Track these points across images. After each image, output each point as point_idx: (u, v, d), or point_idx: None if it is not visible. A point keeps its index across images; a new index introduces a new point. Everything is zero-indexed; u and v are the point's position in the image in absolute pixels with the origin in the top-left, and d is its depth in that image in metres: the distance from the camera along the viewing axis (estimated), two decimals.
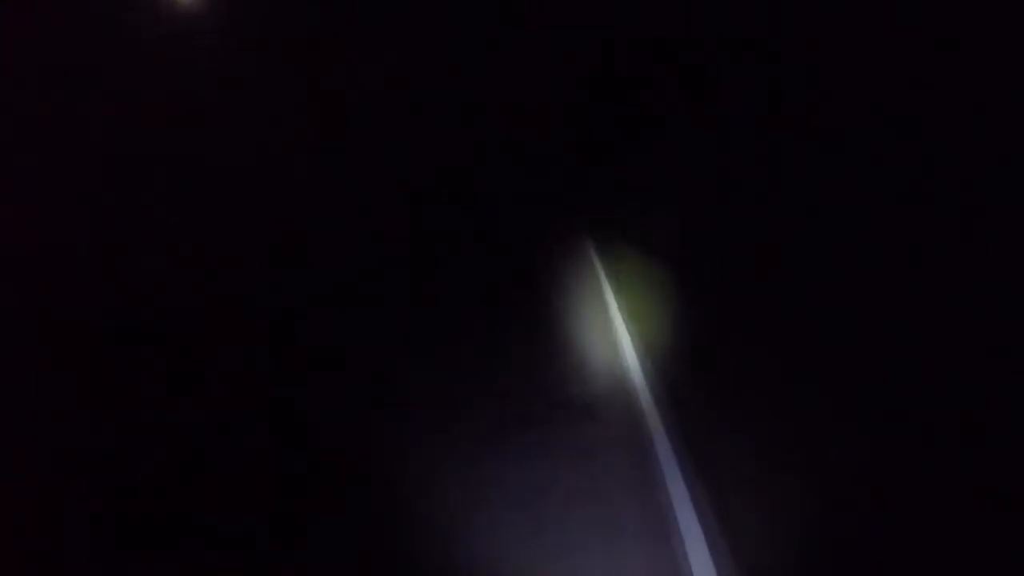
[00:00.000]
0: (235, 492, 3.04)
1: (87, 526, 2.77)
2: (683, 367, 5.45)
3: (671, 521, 2.70)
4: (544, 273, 12.29)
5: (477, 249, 16.43)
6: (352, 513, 2.82)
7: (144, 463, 3.40)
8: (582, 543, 2.49)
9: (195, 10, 12.78)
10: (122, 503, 2.96)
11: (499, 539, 2.54)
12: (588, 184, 25.81)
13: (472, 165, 21.06)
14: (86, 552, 2.57)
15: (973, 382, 3.55)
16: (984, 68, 4.01)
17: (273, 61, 14.83)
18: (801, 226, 6.75)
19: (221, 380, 4.97)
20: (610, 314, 8.11)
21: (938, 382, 3.73)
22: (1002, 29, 3.81)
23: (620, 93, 17.53)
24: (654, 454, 3.52)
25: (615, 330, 6.90)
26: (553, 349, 6.01)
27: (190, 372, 5.20)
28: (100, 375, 5.13)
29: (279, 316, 7.79)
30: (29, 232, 9.39)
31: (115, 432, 3.87)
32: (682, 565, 2.36)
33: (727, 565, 2.37)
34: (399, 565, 2.42)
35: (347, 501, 2.94)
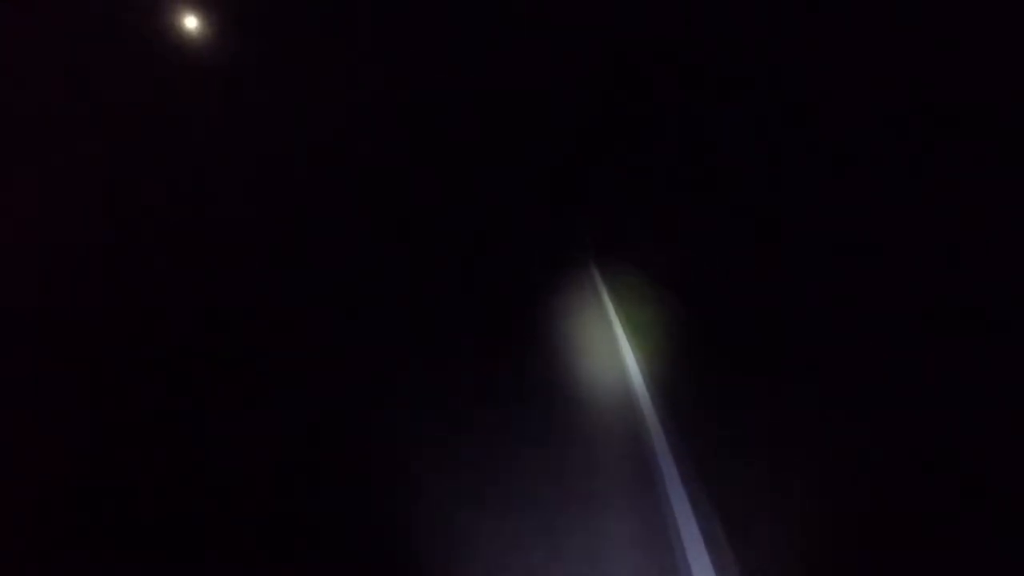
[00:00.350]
0: (235, 492, 3.04)
1: (87, 526, 2.78)
2: (676, 352, 5.45)
3: (665, 500, 2.76)
4: (541, 269, 12.27)
5: (476, 248, 16.41)
6: (352, 513, 2.82)
7: (144, 464, 3.40)
8: (583, 535, 2.50)
9: (195, 10, 12.79)
10: (122, 503, 2.96)
11: (499, 536, 2.54)
12: (588, 183, 25.84)
13: (471, 164, 21.09)
14: (86, 552, 2.57)
15: (973, 382, 3.55)
16: (984, 68, 4.00)
17: (273, 61, 14.82)
18: (801, 226, 6.74)
19: (221, 380, 4.97)
20: (605, 309, 8.11)
21: (938, 382, 3.73)
22: (1002, 29, 3.81)
23: (620, 93, 17.53)
24: (647, 431, 3.58)
25: (611, 325, 6.90)
26: (550, 346, 6.01)
27: (190, 372, 5.20)
28: (100, 375, 5.13)
29: (279, 316, 7.79)
30: (29, 232, 9.38)
31: (115, 432, 3.87)
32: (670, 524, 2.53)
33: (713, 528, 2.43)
34: (399, 565, 2.42)
35: (347, 501, 2.94)
